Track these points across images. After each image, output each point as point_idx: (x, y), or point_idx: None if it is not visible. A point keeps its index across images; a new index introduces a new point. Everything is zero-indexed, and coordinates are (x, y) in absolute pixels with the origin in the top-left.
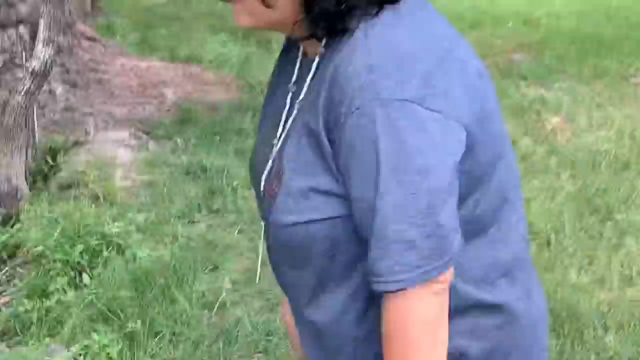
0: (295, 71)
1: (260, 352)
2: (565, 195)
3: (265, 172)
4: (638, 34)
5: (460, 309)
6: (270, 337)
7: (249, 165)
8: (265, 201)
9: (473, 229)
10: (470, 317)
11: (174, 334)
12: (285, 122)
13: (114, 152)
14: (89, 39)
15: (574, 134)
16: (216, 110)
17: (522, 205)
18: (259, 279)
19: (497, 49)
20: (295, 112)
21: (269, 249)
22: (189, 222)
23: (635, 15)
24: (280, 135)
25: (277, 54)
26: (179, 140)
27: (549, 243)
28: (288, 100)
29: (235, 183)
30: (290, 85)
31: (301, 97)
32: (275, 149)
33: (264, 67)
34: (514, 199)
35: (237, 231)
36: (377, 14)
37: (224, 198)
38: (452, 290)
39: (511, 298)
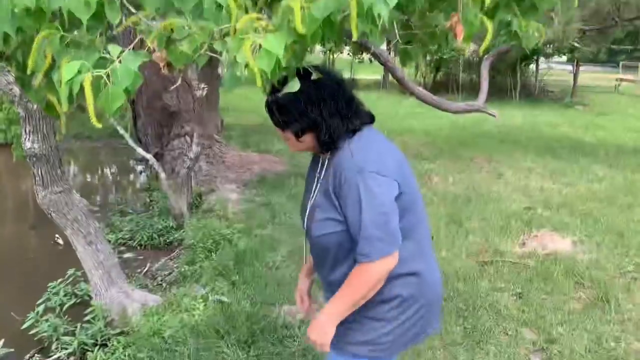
0: (319, 164)
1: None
2: (439, 216)
3: (308, 210)
4: (478, 138)
5: (399, 274)
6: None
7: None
8: (307, 224)
9: (405, 234)
10: (403, 278)
11: (253, 282)
12: (315, 188)
13: (228, 195)
14: (219, 142)
15: (445, 184)
16: (277, 175)
17: (427, 221)
18: (305, 260)
19: (410, 145)
20: (319, 184)
21: (310, 247)
22: (263, 229)
23: (477, 128)
24: (313, 194)
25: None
26: (259, 189)
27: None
28: (316, 178)
29: (284, 211)
30: (318, 171)
31: (322, 176)
32: (311, 202)
33: (302, 156)
34: (424, 219)
35: (287, 234)
36: (352, 136)
37: (280, 217)
38: (397, 264)
39: (422, 268)
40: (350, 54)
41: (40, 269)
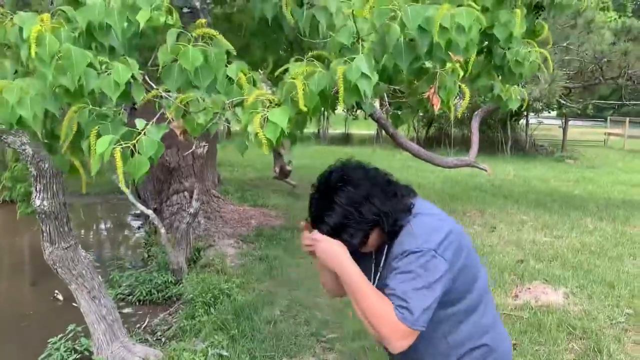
0: (373, 256)
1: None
2: None
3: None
4: (471, 192)
5: (470, 348)
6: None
7: None
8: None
9: (469, 310)
10: (475, 351)
11: (252, 336)
12: (375, 274)
13: (226, 250)
14: (216, 196)
15: None
16: (274, 229)
17: (490, 293)
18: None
19: None
20: (379, 273)
21: None
22: (261, 283)
23: (469, 182)
24: (375, 278)
25: None
26: (256, 244)
27: None
28: (373, 267)
29: (281, 265)
30: (374, 258)
31: (381, 264)
32: (375, 283)
33: (298, 209)
34: (487, 290)
35: (284, 288)
36: (408, 215)
37: (277, 271)
38: (466, 340)
39: (490, 340)
40: (345, 110)
41: (40, 324)
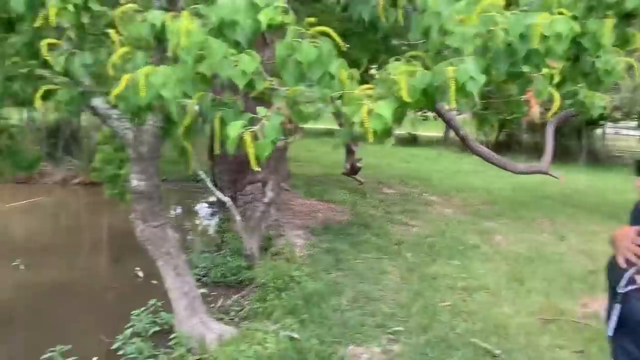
0: None
1: None
2: (500, 273)
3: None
4: (541, 200)
5: None
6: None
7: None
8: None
9: None
10: None
11: (320, 322)
12: None
13: (295, 240)
14: (286, 189)
15: (506, 243)
16: (340, 224)
17: None
18: None
19: (470, 202)
20: None
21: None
22: (328, 273)
23: (539, 190)
24: None
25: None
26: (323, 236)
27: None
28: None
29: (347, 258)
30: None
31: None
32: None
33: (363, 206)
34: None
35: (350, 280)
36: None
37: (344, 264)
38: None
39: None
40: (416, 111)
41: (123, 297)
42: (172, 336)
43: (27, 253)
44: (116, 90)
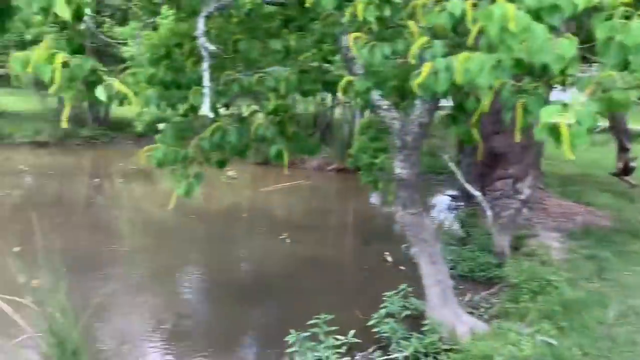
0: None
1: None
2: None
3: None
4: None
5: None
6: None
7: None
8: None
9: None
10: None
11: (582, 332)
12: None
13: (550, 243)
14: (539, 188)
15: None
16: (603, 230)
17: None
18: None
19: None
20: None
21: None
22: (589, 282)
23: None
24: None
25: None
26: (583, 242)
27: None
28: None
29: (613, 268)
30: None
31: None
32: None
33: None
34: None
35: (616, 293)
36: None
37: (608, 274)
38: None
39: None
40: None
41: (374, 279)
42: (424, 322)
43: (290, 229)
44: (419, 79)
